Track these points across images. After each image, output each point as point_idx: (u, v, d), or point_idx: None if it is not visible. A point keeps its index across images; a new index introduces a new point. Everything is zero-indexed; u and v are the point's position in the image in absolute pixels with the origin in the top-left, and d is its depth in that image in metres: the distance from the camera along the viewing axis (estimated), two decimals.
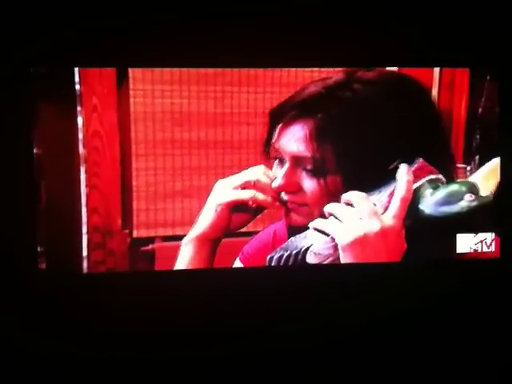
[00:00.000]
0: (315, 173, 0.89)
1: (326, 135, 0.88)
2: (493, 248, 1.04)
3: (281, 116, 0.91)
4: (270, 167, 0.94)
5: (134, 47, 0.99)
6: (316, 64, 1.00)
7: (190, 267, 0.94)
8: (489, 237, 1.03)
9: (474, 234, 1.02)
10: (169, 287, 1.04)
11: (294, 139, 0.89)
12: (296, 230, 0.93)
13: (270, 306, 1.06)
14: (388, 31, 1.06)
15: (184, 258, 0.94)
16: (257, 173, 0.94)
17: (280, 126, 0.91)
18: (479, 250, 1.04)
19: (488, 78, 1.07)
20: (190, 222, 1.00)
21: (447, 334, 1.11)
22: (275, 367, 1.07)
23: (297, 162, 0.90)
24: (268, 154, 0.93)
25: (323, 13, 1.04)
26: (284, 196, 0.93)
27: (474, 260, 1.05)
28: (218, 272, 0.98)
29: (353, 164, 0.88)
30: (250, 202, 0.92)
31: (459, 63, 1.06)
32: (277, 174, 0.93)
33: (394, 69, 1.04)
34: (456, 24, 1.06)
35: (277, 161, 0.93)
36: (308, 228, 0.90)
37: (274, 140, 0.92)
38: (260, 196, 0.92)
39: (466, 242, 1.02)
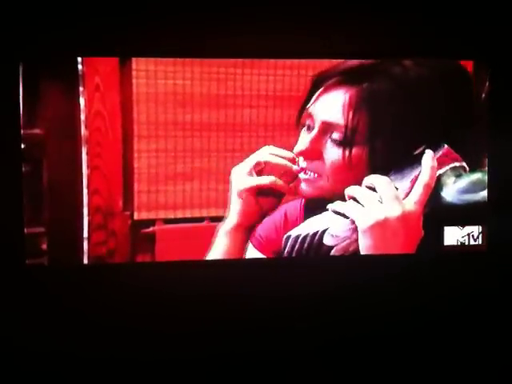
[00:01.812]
0: (342, 142, 0.89)
1: (365, 106, 0.89)
2: (480, 241, 1.05)
3: (323, 81, 0.91)
4: (298, 134, 0.95)
5: (135, 37, 0.98)
6: (320, 56, 0.99)
7: (224, 256, 0.96)
8: (476, 230, 1.04)
9: (461, 227, 1.03)
10: (169, 279, 1.04)
11: (331, 105, 0.90)
12: (311, 210, 0.95)
13: (274, 300, 1.06)
14: (400, 24, 1.05)
15: (220, 248, 0.96)
16: (264, 153, 0.95)
17: (321, 90, 0.92)
18: (466, 243, 1.04)
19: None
20: (192, 205, 1.00)
21: (435, 326, 1.11)
22: (282, 363, 1.07)
23: (326, 128, 0.90)
24: (299, 119, 0.94)
25: (331, 6, 1.03)
26: (302, 162, 0.93)
27: (460, 253, 1.05)
28: (225, 263, 0.99)
29: (383, 140, 0.88)
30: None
31: (462, 55, 1.05)
32: (301, 140, 0.94)
33: None
34: (461, 18, 1.06)
35: (305, 127, 0.93)
36: (326, 209, 0.92)
37: (309, 105, 0.92)
38: (279, 182, 0.94)
39: (453, 235, 1.03)
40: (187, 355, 1.04)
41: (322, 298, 1.07)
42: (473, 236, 1.04)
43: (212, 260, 0.99)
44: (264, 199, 0.95)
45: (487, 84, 1.03)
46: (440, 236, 1.02)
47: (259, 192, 0.94)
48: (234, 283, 1.05)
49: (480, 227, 1.04)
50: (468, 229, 1.04)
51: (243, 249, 0.97)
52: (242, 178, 0.95)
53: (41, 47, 0.97)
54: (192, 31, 1.00)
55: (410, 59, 0.93)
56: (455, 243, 1.04)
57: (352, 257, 0.91)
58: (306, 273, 1.03)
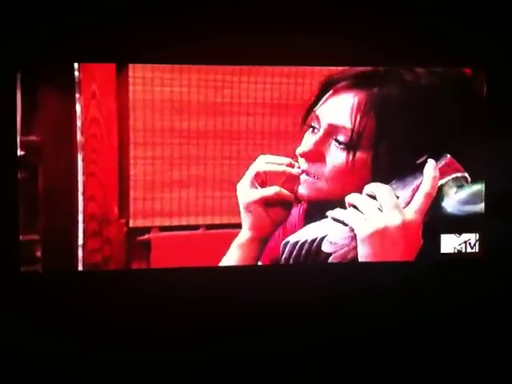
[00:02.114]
0: (347, 146, 0.89)
1: (373, 110, 0.89)
2: (476, 249, 1.04)
3: (333, 84, 0.91)
4: (302, 135, 0.94)
5: (133, 43, 0.99)
6: (318, 63, 0.99)
7: (237, 263, 0.96)
8: (472, 237, 1.04)
9: (458, 235, 1.02)
10: (164, 286, 1.03)
11: (339, 107, 0.90)
12: (310, 217, 0.94)
13: (270, 306, 1.05)
14: (396, 32, 1.05)
15: (233, 257, 0.96)
16: (261, 162, 0.95)
17: (330, 93, 0.91)
18: (463, 251, 1.04)
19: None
20: (187, 213, 1.00)
21: (433, 332, 1.10)
22: (278, 369, 1.06)
23: (331, 131, 0.90)
24: (305, 121, 0.94)
25: (328, 14, 1.03)
26: (303, 164, 0.93)
27: (457, 260, 1.05)
28: (222, 269, 0.99)
29: (388, 146, 0.88)
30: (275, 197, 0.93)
31: (461, 63, 1.05)
32: (305, 141, 0.93)
33: None
34: (456, 25, 1.06)
35: (310, 129, 0.93)
36: (325, 216, 0.92)
37: (316, 107, 0.92)
38: (284, 191, 0.94)
39: (450, 243, 1.03)
40: (182, 360, 1.04)
41: (319, 305, 1.06)
42: (469, 244, 1.04)
43: (208, 267, 0.98)
44: (273, 209, 0.94)
45: (485, 90, 1.03)
46: (437, 244, 1.01)
47: (267, 203, 0.94)
48: (230, 289, 1.04)
49: (477, 235, 1.04)
50: (465, 236, 1.03)
51: (256, 261, 0.96)
52: (246, 191, 0.94)
53: (38, 54, 0.97)
54: (189, 38, 1.00)
55: (408, 67, 0.93)
56: (452, 251, 1.03)
57: (350, 264, 0.91)
58: (303, 279, 1.02)
